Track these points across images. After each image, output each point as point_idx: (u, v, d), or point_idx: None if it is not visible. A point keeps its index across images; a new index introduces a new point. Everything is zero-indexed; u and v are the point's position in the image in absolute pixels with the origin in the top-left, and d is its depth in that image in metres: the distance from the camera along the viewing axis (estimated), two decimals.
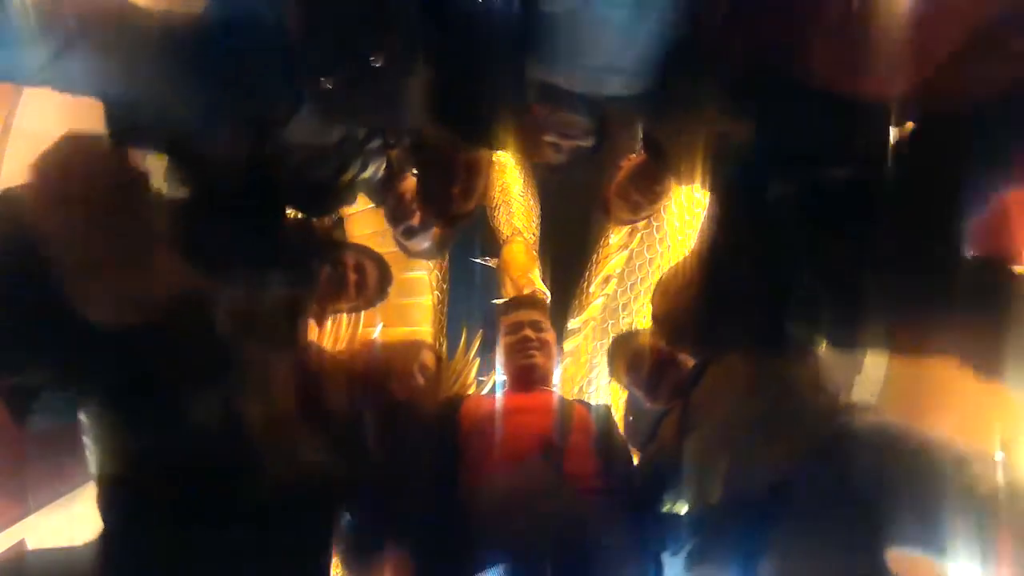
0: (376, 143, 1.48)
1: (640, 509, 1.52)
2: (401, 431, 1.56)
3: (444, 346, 2.83)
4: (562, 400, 1.70)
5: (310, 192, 1.46)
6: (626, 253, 2.86)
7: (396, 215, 1.75)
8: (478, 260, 2.98)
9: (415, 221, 1.73)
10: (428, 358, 1.67)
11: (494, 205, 3.00)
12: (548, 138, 1.50)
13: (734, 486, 1.32)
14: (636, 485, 1.59)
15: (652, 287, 2.84)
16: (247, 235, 1.24)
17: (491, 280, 2.93)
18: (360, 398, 1.49)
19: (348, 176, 1.48)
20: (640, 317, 2.87)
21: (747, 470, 1.31)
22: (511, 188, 2.96)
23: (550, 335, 1.78)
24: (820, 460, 1.24)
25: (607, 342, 2.92)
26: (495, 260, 2.95)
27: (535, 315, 1.80)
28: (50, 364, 1.11)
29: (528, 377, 1.71)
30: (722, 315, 1.50)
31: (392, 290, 2.30)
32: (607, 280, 2.89)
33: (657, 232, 2.73)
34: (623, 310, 2.86)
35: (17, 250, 1.07)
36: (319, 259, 1.59)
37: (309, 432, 1.28)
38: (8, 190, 1.17)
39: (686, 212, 2.65)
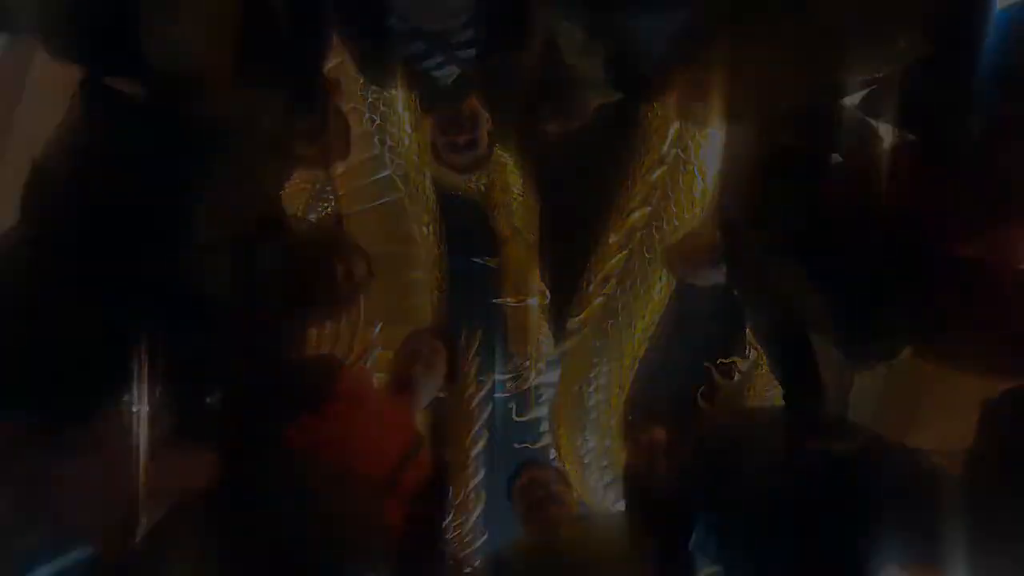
0: (467, 53, 1.46)
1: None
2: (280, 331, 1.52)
3: None
4: (418, 433, 1.70)
5: (379, 59, 1.49)
6: (626, 253, 2.86)
7: (447, 127, 1.79)
8: (478, 260, 2.99)
9: (461, 140, 1.78)
10: (361, 268, 1.62)
11: (494, 205, 3.01)
12: None
13: None
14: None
15: (652, 287, 2.87)
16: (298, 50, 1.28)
17: (491, 280, 2.93)
18: (287, 271, 1.44)
19: (421, 65, 1.51)
20: (639, 317, 2.87)
21: None
22: (511, 188, 2.97)
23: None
24: None
25: (607, 342, 2.92)
26: (495, 260, 2.96)
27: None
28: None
29: (407, 390, 1.72)
30: None
31: (392, 291, 2.31)
32: (607, 280, 2.89)
33: (657, 232, 2.73)
34: (623, 310, 2.86)
35: None
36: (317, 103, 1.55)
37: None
38: None
39: (686, 212, 2.66)
